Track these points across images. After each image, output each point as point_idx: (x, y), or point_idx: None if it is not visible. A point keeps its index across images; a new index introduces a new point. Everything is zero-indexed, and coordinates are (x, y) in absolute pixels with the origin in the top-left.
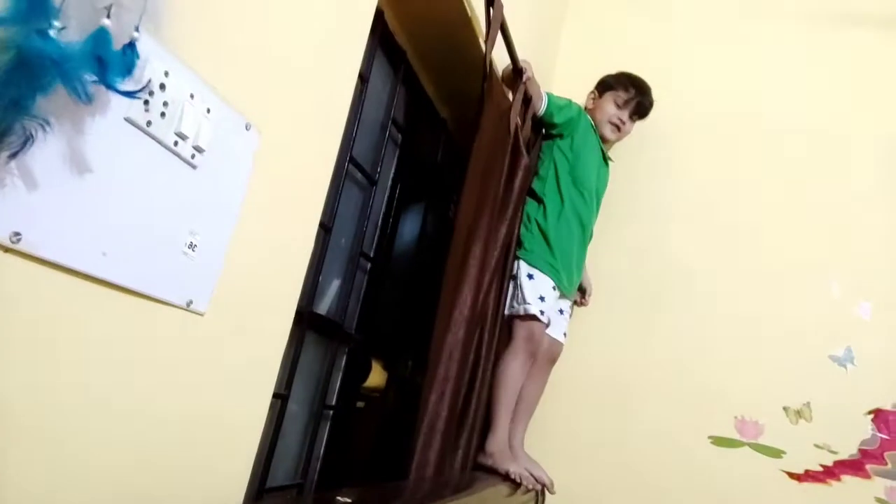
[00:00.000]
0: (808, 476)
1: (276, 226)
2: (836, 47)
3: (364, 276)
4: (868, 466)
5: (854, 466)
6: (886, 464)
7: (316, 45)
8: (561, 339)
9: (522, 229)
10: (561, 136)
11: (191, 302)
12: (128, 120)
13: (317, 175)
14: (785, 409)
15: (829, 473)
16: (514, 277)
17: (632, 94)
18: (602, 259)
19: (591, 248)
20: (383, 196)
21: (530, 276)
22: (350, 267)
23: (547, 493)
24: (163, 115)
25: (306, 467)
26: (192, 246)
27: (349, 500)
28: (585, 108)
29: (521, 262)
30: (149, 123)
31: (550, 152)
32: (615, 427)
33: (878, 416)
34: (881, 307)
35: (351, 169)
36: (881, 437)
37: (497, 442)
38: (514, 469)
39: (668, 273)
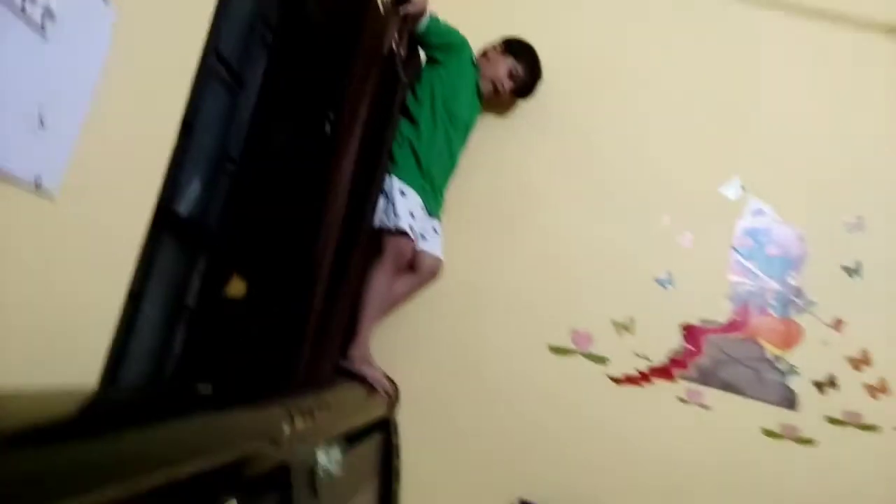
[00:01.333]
0: (626, 380)
1: (136, 111)
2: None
3: (228, 180)
4: (674, 371)
5: (663, 372)
6: (689, 370)
7: None
8: (440, 255)
9: (395, 147)
10: (439, 61)
11: (39, 178)
12: None
13: (179, 63)
14: (613, 322)
15: (644, 378)
16: (386, 193)
17: (527, 75)
18: (456, 175)
19: None
20: (251, 99)
21: (402, 193)
22: (213, 169)
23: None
24: None
25: (161, 369)
26: (41, 120)
27: (209, 386)
28: (483, 54)
29: (395, 179)
30: None
31: (430, 77)
32: (463, 334)
33: (688, 330)
34: (700, 238)
35: (217, 68)
36: (687, 348)
37: (359, 348)
38: (372, 374)
39: (518, 193)
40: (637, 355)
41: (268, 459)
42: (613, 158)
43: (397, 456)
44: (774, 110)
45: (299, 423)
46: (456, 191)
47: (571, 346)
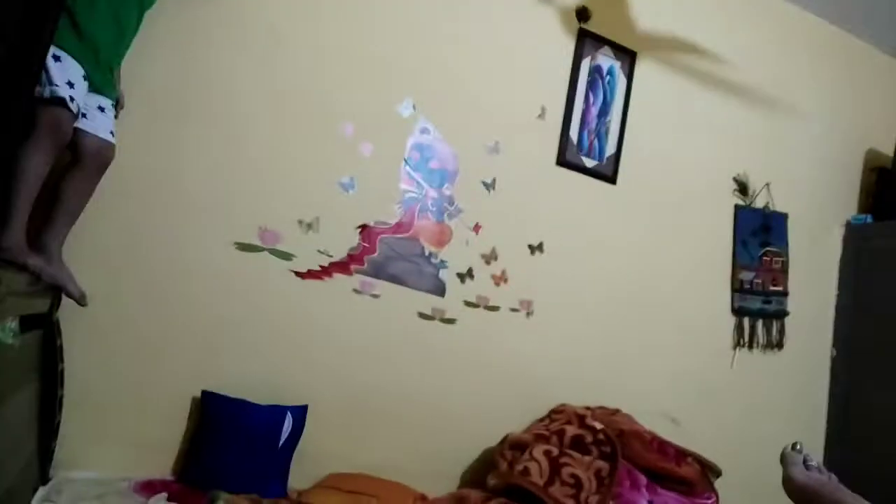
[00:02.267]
0: (309, 274)
1: None
2: None
3: None
4: (352, 266)
5: (342, 267)
6: (364, 265)
7: None
8: (109, 138)
9: None
10: None
11: None
12: None
13: None
14: (299, 221)
15: (325, 272)
16: None
17: None
18: (142, 65)
19: (133, 56)
20: None
21: (57, 58)
22: None
23: (76, 302)
24: None
25: None
26: None
27: None
28: None
29: None
30: None
31: None
32: (154, 233)
33: (364, 230)
34: (377, 149)
35: None
36: (363, 245)
37: (12, 237)
38: (33, 262)
39: (207, 86)
40: (320, 252)
41: None
42: (305, 65)
43: (61, 359)
44: (445, 47)
45: None
46: (140, 77)
47: (258, 242)
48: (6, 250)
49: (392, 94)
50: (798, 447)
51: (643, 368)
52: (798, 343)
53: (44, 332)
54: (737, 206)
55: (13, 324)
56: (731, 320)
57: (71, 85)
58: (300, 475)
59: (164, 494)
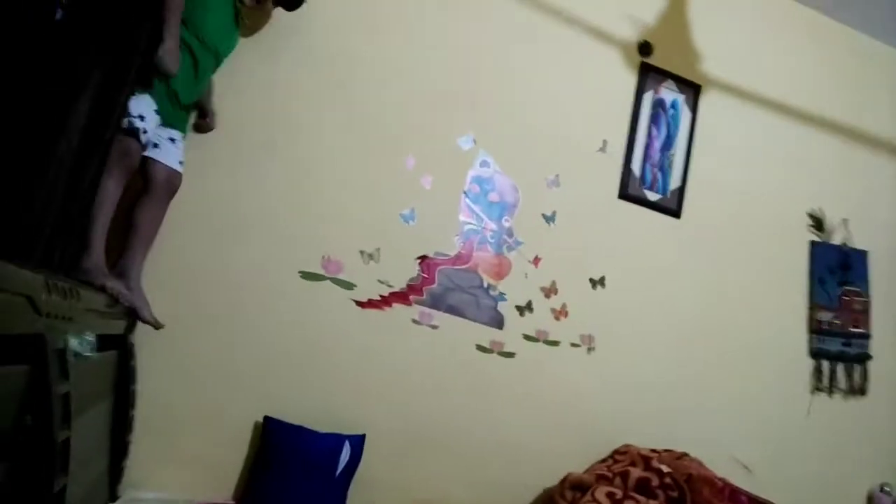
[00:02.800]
0: (370, 304)
1: None
2: None
3: None
4: (411, 297)
5: (401, 297)
6: (423, 295)
7: None
8: (178, 167)
9: None
10: None
11: None
12: None
13: None
14: (361, 252)
15: (385, 302)
16: None
17: None
18: (221, 101)
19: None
20: None
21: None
22: None
23: (152, 327)
24: None
25: None
26: None
27: None
28: None
29: None
30: None
31: None
32: (220, 261)
33: (424, 261)
34: (438, 181)
35: None
36: (423, 276)
37: (92, 259)
38: (111, 284)
39: (274, 120)
40: (380, 282)
41: (21, 321)
42: (368, 101)
43: (133, 381)
44: (506, 82)
45: (56, 297)
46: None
47: (322, 272)
48: (86, 272)
49: (453, 128)
50: (887, 489)
51: (711, 411)
52: (883, 388)
53: (119, 353)
54: (812, 243)
55: (91, 337)
56: (808, 363)
57: (142, 118)
58: None
59: None
